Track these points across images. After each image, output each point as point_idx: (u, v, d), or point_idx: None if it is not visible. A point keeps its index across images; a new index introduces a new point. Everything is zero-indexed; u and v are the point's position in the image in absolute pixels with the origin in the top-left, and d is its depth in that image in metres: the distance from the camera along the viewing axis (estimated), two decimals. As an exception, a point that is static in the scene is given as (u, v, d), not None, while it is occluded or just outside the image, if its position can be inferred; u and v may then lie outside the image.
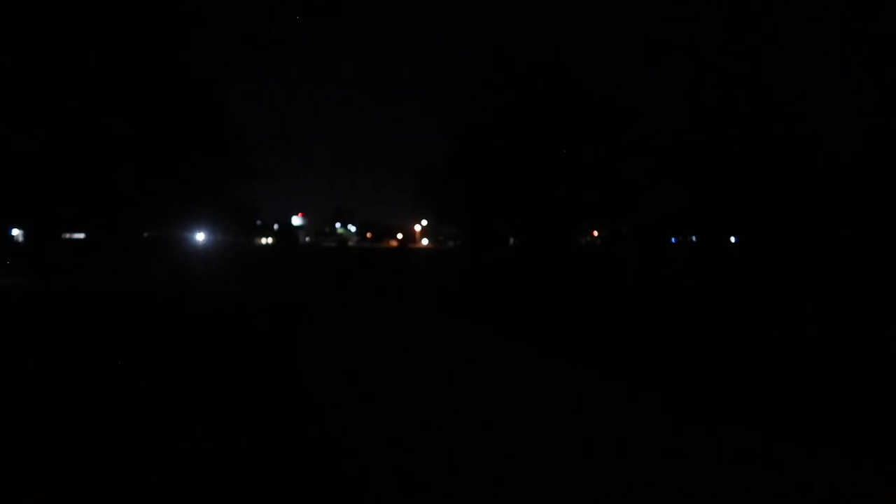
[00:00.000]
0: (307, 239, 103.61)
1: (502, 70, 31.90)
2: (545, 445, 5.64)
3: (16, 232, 31.30)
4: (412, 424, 6.29)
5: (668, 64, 24.16)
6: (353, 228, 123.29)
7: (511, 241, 49.13)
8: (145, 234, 29.90)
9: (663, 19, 24.33)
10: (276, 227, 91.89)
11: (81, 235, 30.84)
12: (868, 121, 20.63)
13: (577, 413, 6.73)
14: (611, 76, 31.39)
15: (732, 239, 28.67)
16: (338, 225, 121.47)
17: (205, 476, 4.93)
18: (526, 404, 7.04)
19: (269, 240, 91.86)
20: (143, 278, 22.16)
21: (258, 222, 79.06)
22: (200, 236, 32.19)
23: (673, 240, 34.01)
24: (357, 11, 18.60)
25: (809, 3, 22.82)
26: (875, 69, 19.84)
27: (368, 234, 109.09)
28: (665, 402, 7.19)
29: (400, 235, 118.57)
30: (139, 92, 16.65)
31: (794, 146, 23.14)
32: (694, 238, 30.94)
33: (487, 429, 6.11)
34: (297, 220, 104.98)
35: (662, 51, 24.03)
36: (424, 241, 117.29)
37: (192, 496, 4.59)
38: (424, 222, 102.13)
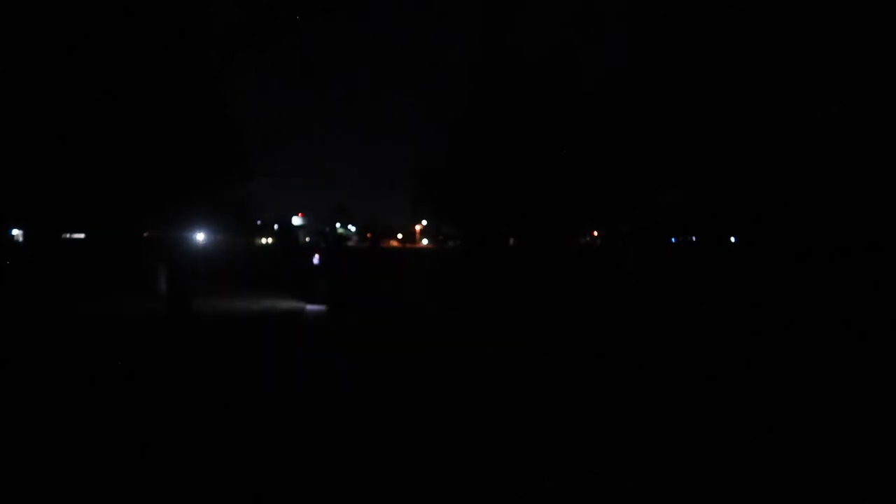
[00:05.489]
0: (307, 239, 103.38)
1: (502, 70, 31.85)
2: (536, 442, 5.63)
3: (16, 232, 31.23)
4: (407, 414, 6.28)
5: (669, 65, 24.10)
6: (352, 228, 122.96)
7: (511, 241, 48.97)
8: (145, 234, 29.86)
9: (663, 20, 24.26)
10: (276, 226, 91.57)
11: (81, 235, 30.76)
12: (868, 122, 20.60)
13: (577, 409, 6.72)
14: (611, 76, 31.26)
15: (732, 239, 28.58)
16: (338, 225, 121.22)
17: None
18: (524, 404, 7.03)
19: (269, 240, 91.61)
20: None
21: (258, 222, 78.84)
22: (200, 236, 32.12)
23: (673, 240, 33.93)
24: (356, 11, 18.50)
25: (810, 3, 22.78)
26: (876, 70, 19.79)
27: (368, 234, 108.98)
28: (663, 401, 7.18)
29: (400, 235, 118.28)
30: (140, 92, 16.58)
31: (793, 147, 23.09)
32: (694, 238, 30.85)
33: (481, 428, 6.10)
34: (297, 220, 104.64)
35: (663, 52, 23.99)
36: (424, 241, 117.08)
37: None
38: (424, 222, 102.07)
